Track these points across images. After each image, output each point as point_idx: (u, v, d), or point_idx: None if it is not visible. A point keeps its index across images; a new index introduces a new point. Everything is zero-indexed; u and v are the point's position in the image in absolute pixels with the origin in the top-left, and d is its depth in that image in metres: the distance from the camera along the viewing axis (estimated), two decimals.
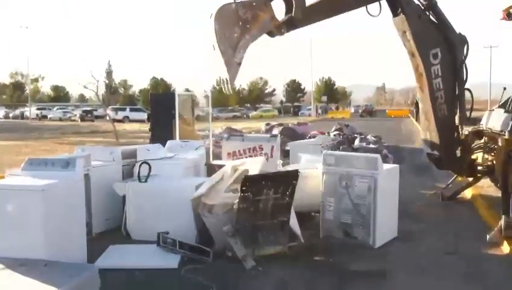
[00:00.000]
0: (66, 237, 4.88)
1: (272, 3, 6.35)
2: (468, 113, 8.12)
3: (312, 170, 6.93)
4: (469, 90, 8.11)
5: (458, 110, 7.97)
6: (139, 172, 6.32)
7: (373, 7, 7.11)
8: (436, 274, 5.12)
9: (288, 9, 6.49)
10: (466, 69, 7.77)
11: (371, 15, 7.02)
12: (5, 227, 4.65)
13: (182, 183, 6.38)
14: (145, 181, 6.30)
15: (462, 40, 7.67)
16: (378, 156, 6.22)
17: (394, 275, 5.15)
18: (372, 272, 5.20)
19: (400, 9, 7.32)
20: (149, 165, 6.36)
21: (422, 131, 8.48)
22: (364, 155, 6.85)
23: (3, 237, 4.64)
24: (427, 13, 7.48)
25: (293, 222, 5.77)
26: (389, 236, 6.19)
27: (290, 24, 6.51)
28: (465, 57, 7.71)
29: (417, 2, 7.40)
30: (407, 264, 5.46)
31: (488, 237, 6.14)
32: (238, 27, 5.88)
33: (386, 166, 6.40)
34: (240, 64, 6.20)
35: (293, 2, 6.42)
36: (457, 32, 7.64)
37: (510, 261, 5.58)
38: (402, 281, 5.00)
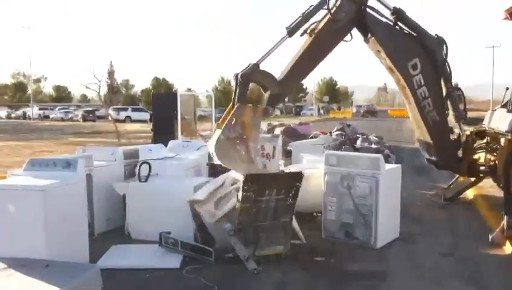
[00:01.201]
0: (67, 237, 4.88)
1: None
2: (462, 109, 8.06)
3: (314, 170, 6.92)
4: (460, 90, 8.05)
5: (452, 110, 7.90)
6: (139, 172, 6.34)
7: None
8: (437, 276, 5.11)
9: (265, 88, 6.40)
10: (449, 67, 7.66)
11: (345, 40, 6.87)
12: (6, 227, 4.65)
13: (181, 183, 6.39)
14: (145, 181, 6.32)
15: (440, 42, 7.50)
16: (380, 156, 6.21)
17: (394, 277, 5.14)
18: (372, 273, 5.19)
19: (369, 32, 7.13)
20: (149, 165, 6.39)
21: (416, 139, 8.35)
22: (366, 155, 6.84)
23: (5, 237, 4.64)
24: (398, 26, 7.24)
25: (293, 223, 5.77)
26: (390, 237, 6.18)
27: (274, 100, 6.41)
28: (446, 55, 7.56)
29: (384, 20, 7.15)
30: (408, 266, 5.45)
31: (490, 237, 6.13)
32: (239, 146, 5.85)
33: (388, 166, 6.39)
34: (264, 165, 6.41)
35: (265, 83, 6.34)
36: (433, 34, 7.46)
37: (510, 261, 5.58)
38: (402, 283, 4.99)
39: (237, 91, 6.12)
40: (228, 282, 4.87)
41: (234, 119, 5.80)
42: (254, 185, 5.27)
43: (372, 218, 5.87)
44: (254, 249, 5.32)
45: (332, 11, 6.43)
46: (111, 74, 76.47)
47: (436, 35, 7.46)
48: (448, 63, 7.60)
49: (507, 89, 8.73)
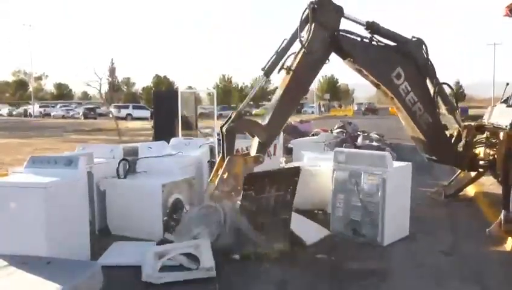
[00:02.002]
0: (69, 235, 4.89)
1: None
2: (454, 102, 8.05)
3: (316, 167, 6.94)
4: (447, 84, 8.02)
5: (443, 104, 7.86)
6: (117, 168, 6.48)
7: None
8: (439, 274, 5.12)
9: (252, 135, 6.36)
10: (431, 64, 7.54)
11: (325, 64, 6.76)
12: (8, 225, 4.67)
13: (150, 181, 6.43)
14: (124, 177, 6.47)
15: (417, 44, 7.37)
16: (387, 153, 6.22)
17: (394, 275, 5.16)
18: (372, 272, 5.19)
19: (347, 55, 6.98)
20: (128, 162, 6.61)
21: (413, 141, 8.31)
22: (374, 153, 6.85)
23: (7, 235, 4.66)
24: (374, 40, 7.07)
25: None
26: (399, 235, 6.16)
27: (263, 147, 6.31)
28: (427, 54, 7.44)
29: (359, 38, 6.96)
30: (409, 265, 5.46)
31: (487, 231, 6.18)
32: (235, 198, 5.79)
33: (397, 164, 6.39)
34: None
35: (251, 132, 6.30)
36: (409, 38, 7.33)
37: None
38: (403, 282, 4.99)
39: (224, 144, 6.09)
40: (229, 281, 4.87)
41: (226, 173, 5.83)
42: (254, 184, 5.28)
43: (378, 216, 5.89)
44: (257, 248, 5.34)
45: (305, 44, 6.27)
46: (112, 71, 76.43)
47: (413, 37, 7.34)
48: (430, 61, 7.53)
49: (507, 84, 8.74)
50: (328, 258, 5.53)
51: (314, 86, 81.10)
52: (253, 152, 6.27)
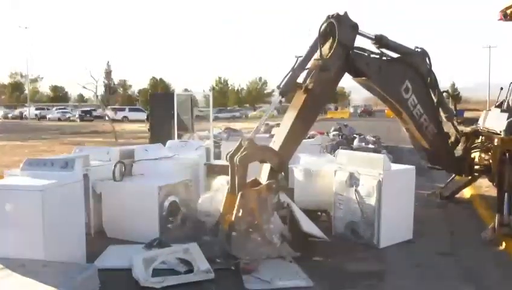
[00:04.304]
0: (65, 237, 4.88)
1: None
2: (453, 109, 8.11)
3: (319, 169, 6.95)
4: (447, 91, 8.07)
5: (443, 112, 7.89)
6: (113, 171, 6.44)
7: None
8: (435, 275, 5.14)
9: (264, 161, 5.83)
10: (434, 74, 7.53)
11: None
12: (4, 227, 4.65)
13: (147, 183, 6.44)
14: (120, 180, 6.46)
15: (423, 55, 7.37)
16: (384, 156, 6.26)
17: (392, 276, 5.17)
18: (370, 273, 5.21)
19: (361, 73, 6.76)
20: (124, 164, 6.61)
21: (417, 151, 8.33)
22: (371, 155, 6.87)
23: (3, 238, 4.64)
24: (383, 56, 6.91)
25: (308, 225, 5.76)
26: (399, 238, 6.17)
27: (276, 173, 5.75)
28: (430, 66, 7.43)
29: (372, 55, 6.78)
30: (406, 266, 5.49)
31: (482, 235, 6.23)
32: (253, 234, 5.37)
33: (397, 166, 6.42)
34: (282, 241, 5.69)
35: (265, 159, 5.79)
36: (413, 49, 7.29)
37: (508, 260, 5.62)
38: (400, 283, 5.00)
39: (236, 176, 5.44)
40: (226, 281, 4.87)
41: (241, 211, 5.29)
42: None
43: (374, 217, 5.91)
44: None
45: (322, 60, 5.98)
46: (108, 73, 76.39)
47: (416, 47, 7.32)
48: (432, 72, 7.51)
49: (501, 89, 8.81)
50: (325, 260, 5.54)
51: None
52: (264, 179, 5.71)
